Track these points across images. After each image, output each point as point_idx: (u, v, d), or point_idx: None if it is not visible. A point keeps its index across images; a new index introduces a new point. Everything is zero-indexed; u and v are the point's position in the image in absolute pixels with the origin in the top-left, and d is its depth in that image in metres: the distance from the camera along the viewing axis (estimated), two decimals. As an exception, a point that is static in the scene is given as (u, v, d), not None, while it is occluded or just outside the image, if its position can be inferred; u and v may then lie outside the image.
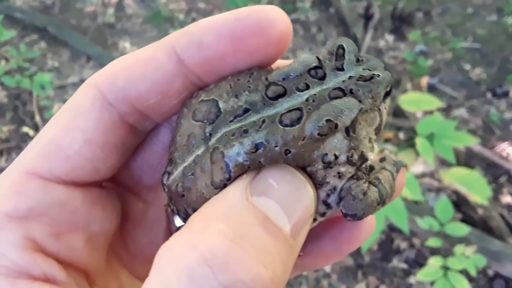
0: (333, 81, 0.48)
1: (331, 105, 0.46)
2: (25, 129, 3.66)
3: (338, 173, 0.48)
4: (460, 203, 2.92)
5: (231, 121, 0.46)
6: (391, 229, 2.92)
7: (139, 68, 0.47)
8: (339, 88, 0.48)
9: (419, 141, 2.10)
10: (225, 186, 0.45)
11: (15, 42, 4.50)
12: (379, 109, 0.50)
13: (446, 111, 3.60)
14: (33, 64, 4.27)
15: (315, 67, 0.49)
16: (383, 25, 4.43)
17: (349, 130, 0.47)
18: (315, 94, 0.47)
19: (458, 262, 2.29)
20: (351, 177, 0.49)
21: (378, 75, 0.49)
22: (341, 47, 0.50)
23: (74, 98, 0.49)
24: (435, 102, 2.17)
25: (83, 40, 4.49)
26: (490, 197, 2.18)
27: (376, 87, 0.48)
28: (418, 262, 2.78)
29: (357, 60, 0.50)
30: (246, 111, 0.46)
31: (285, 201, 0.43)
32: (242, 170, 0.45)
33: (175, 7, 4.98)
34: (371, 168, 0.52)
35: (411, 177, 1.99)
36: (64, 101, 3.94)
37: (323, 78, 0.48)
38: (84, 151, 0.47)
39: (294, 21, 4.54)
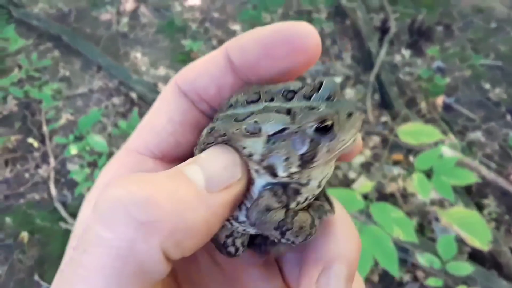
0: (292, 103, 0.54)
1: (267, 114, 0.53)
2: (30, 140, 3.67)
3: (254, 168, 0.55)
4: (469, 235, 2.76)
5: (225, 110, 0.58)
6: (394, 260, 2.78)
7: (203, 65, 0.60)
8: (289, 109, 0.53)
9: (416, 177, 1.97)
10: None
11: (30, 50, 4.55)
12: (313, 140, 0.52)
13: (461, 133, 3.43)
14: (45, 72, 4.30)
15: (291, 91, 0.55)
16: (400, 39, 4.27)
17: (270, 140, 0.53)
18: (269, 106, 0.54)
19: (459, 304, 2.15)
20: (270, 188, 0.56)
21: (319, 108, 0.52)
22: (320, 83, 0.55)
23: (162, 91, 0.63)
24: (435, 134, 2.03)
25: (95, 50, 4.50)
26: (490, 241, 2.03)
27: (309, 117, 0.52)
28: (421, 297, 2.64)
29: (328, 98, 0.53)
30: (230, 106, 0.57)
31: (204, 162, 0.52)
32: (203, 143, 0.58)
33: (190, 16, 4.93)
34: (296, 192, 0.57)
35: (404, 217, 1.86)
36: (72, 111, 3.95)
37: (290, 99, 0.54)
38: (168, 127, 0.61)
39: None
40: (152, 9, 5.05)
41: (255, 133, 0.53)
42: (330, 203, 0.65)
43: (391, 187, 3.15)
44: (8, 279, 2.94)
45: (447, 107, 3.63)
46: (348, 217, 0.63)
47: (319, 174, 0.57)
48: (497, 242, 2.67)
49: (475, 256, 2.68)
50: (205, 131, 0.58)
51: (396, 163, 3.32)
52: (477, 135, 3.39)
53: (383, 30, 4.29)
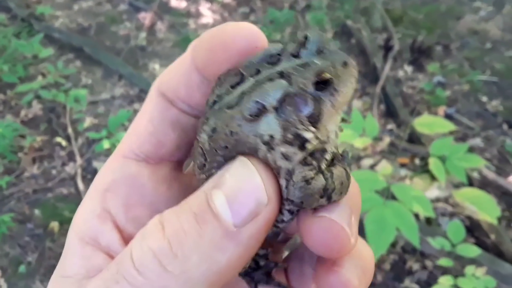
0: (281, 66, 0.50)
1: (260, 87, 0.48)
2: (58, 139, 3.87)
3: (282, 154, 0.49)
4: (473, 228, 2.99)
5: (210, 109, 0.53)
6: (404, 251, 2.99)
7: (175, 66, 0.60)
8: (281, 72, 0.49)
9: (432, 161, 2.21)
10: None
11: (52, 60, 4.79)
12: (315, 98, 0.49)
13: (462, 139, 3.70)
14: (68, 80, 4.53)
15: (275, 54, 0.51)
16: (403, 56, 4.58)
17: (279, 110, 0.48)
18: (259, 79, 0.49)
19: (469, 282, 2.35)
20: (300, 162, 0.50)
21: (314, 62, 0.49)
22: (305, 36, 0.51)
23: (147, 95, 0.63)
24: (448, 126, 2.28)
25: (116, 60, 4.75)
26: (499, 217, 2.26)
27: (306, 73, 0.49)
28: (430, 284, 2.83)
29: (319, 51, 0.50)
30: (214, 103, 0.52)
31: (230, 191, 0.46)
32: (209, 151, 0.52)
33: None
34: (333, 156, 0.53)
35: (422, 195, 2.09)
36: (95, 115, 4.16)
37: (277, 63, 0.50)
38: (149, 127, 0.60)
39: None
40: (168, 26, 5.35)
41: (259, 113, 0.48)
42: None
43: (399, 186, 3.38)
44: (38, 266, 3.08)
45: (448, 117, 3.91)
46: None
47: (333, 124, 0.53)
48: (499, 234, 2.90)
49: (479, 246, 2.90)
50: (204, 137, 0.51)
51: (402, 165, 3.57)
52: (476, 141, 3.67)
53: (387, 48, 4.62)
